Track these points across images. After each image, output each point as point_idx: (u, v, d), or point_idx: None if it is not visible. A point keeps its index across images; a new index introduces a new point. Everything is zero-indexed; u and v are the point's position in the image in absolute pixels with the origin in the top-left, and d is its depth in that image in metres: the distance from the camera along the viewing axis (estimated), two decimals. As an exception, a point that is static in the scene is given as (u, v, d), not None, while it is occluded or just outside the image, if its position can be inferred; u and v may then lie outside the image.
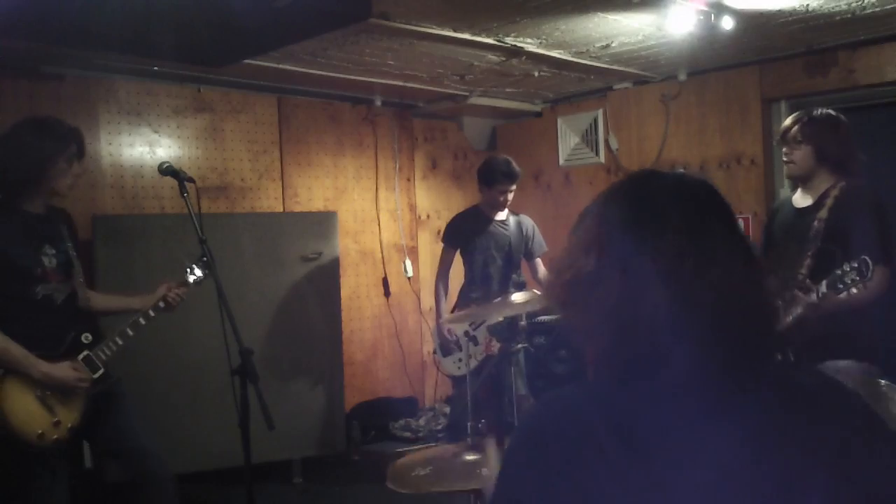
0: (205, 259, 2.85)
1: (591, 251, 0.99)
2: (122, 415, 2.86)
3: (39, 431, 2.61)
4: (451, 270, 4.43)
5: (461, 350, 4.12)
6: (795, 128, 2.89)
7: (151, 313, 2.83)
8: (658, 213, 0.97)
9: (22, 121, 2.78)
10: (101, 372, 2.75)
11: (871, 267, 2.31)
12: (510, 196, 4.24)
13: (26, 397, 2.61)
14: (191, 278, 2.94)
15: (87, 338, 2.77)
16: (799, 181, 2.96)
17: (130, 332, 2.80)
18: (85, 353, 2.74)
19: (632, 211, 0.99)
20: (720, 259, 0.93)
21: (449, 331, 4.17)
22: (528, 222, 4.42)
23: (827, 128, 2.87)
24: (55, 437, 2.64)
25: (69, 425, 2.68)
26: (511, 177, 4.18)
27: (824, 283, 2.44)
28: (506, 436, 2.52)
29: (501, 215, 4.33)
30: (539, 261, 4.41)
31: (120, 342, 2.79)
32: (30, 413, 2.61)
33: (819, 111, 2.92)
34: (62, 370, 2.66)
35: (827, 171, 2.84)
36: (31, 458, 2.62)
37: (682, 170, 1.15)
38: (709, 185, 1.03)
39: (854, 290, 2.35)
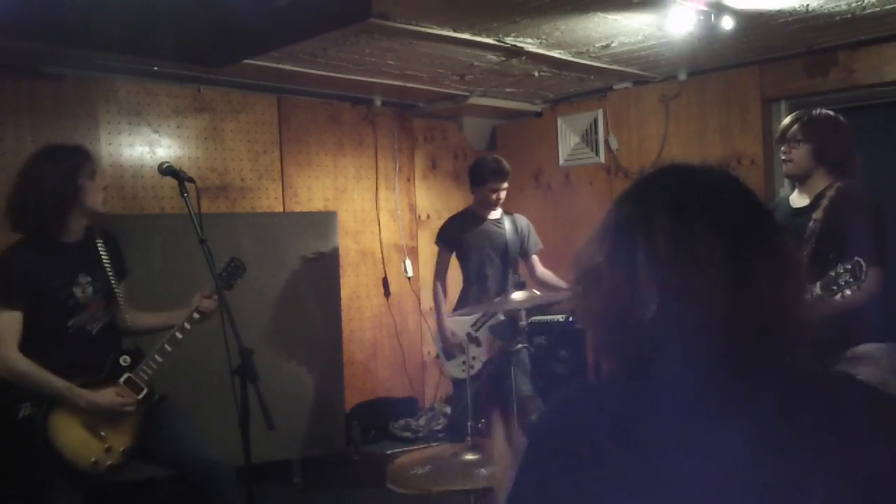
0: (233, 265, 2.93)
1: (603, 244, 0.99)
2: (172, 429, 2.85)
3: (93, 459, 2.62)
4: (449, 275, 4.43)
5: (465, 353, 4.12)
6: (796, 126, 2.90)
7: (187, 326, 2.80)
8: (670, 210, 0.96)
9: (30, 157, 2.75)
10: (144, 392, 2.74)
11: (864, 269, 2.30)
12: (502, 194, 4.24)
13: (75, 427, 2.62)
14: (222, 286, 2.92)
15: (125, 360, 2.76)
16: (796, 180, 2.97)
17: (169, 348, 2.78)
18: (126, 375, 2.74)
19: (643, 206, 0.99)
20: (731, 260, 0.92)
21: (453, 333, 4.17)
22: (522, 221, 4.43)
23: (828, 128, 2.88)
24: (109, 462, 2.65)
25: (121, 449, 2.69)
26: (501, 174, 4.19)
27: (818, 284, 2.43)
28: (510, 415, 2.52)
29: (495, 214, 4.33)
30: (535, 258, 4.42)
31: (160, 359, 2.77)
32: (81, 442, 2.62)
33: (820, 111, 2.93)
34: (106, 397, 2.66)
35: (824, 172, 2.85)
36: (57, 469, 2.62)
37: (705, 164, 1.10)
38: (732, 182, 1.01)
39: (848, 292, 2.34)
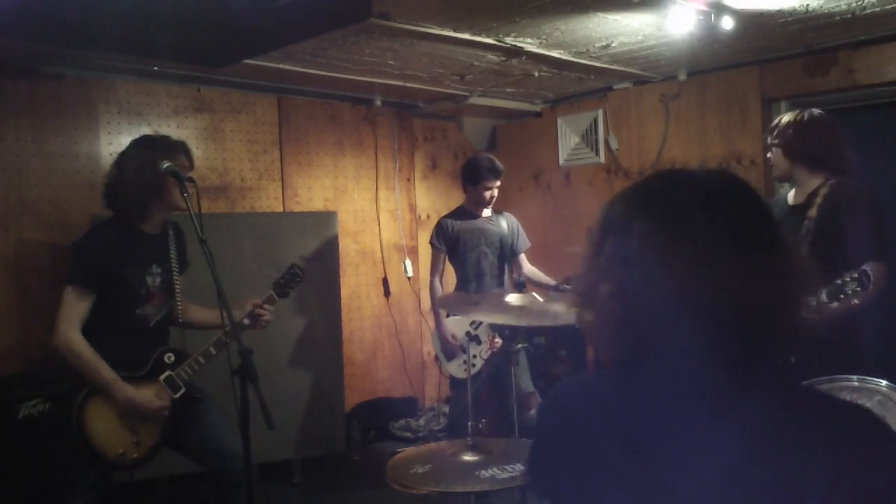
0: (293, 271, 2.97)
1: (600, 247, 1.00)
2: (204, 421, 2.87)
3: (120, 451, 2.67)
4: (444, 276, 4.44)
5: (465, 353, 4.12)
6: (768, 131, 2.95)
7: None
8: (668, 212, 0.97)
9: (134, 142, 2.84)
10: (181, 392, 2.78)
11: (871, 278, 2.29)
12: (496, 192, 4.27)
13: (109, 418, 2.67)
14: (277, 294, 2.96)
15: (169, 358, 2.80)
16: (782, 181, 3.01)
17: (213, 351, 2.80)
18: (167, 373, 2.77)
19: (642, 210, 0.99)
20: (727, 260, 0.92)
21: (453, 336, 4.17)
22: (512, 219, 4.46)
23: (790, 127, 2.89)
24: (135, 455, 2.70)
25: (149, 444, 2.73)
26: (495, 172, 4.22)
27: (824, 292, 2.42)
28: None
29: (487, 212, 4.35)
30: (523, 256, 4.44)
31: (203, 361, 2.80)
32: (112, 433, 2.67)
33: (791, 112, 2.97)
34: (145, 397, 2.69)
35: (804, 169, 2.86)
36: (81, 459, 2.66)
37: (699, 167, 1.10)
38: (728, 182, 1.01)
39: (855, 301, 2.33)
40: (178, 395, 2.77)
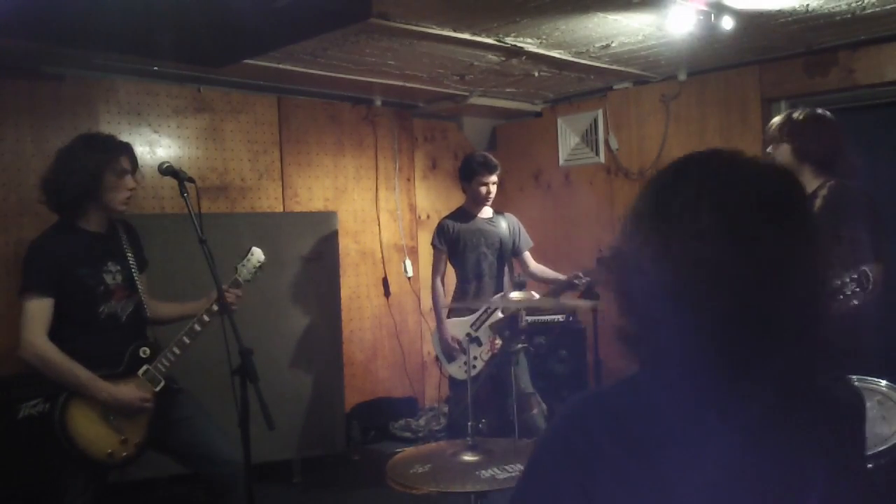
0: (252, 252, 2.94)
1: (621, 235, 1.00)
2: (190, 424, 2.86)
3: (108, 451, 2.65)
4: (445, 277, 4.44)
5: (466, 355, 4.12)
6: (775, 126, 2.91)
7: (206, 318, 2.81)
8: (686, 206, 0.95)
9: (74, 139, 2.81)
10: (161, 385, 2.77)
11: (871, 278, 2.28)
12: (493, 188, 4.25)
13: (93, 418, 2.65)
14: (241, 278, 2.94)
15: (145, 352, 2.79)
16: None
17: (187, 340, 2.80)
18: (145, 367, 2.76)
19: (661, 199, 0.98)
20: (735, 260, 0.90)
21: (453, 338, 4.17)
22: (513, 219, 4.46)
23: (806, 126, 2.85)
24: (124, 454, 2.68)
25: (136, 441, 2.72)
26: (488, 166, 4.20)
27: None
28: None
29: (487, 212, 4.35)
30: (528, 254, 4.44)
31: (178, 352, 2.80)
32: (98, 434, 2.64)
33: (803, 110, 2.91)
34: (127, 392, 2.68)
35: (811, 170, 2.83)
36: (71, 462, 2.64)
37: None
38: (758, 178, 1.00)
39: (855, 302, 2.33)
40: (158, 388, 2.76)
